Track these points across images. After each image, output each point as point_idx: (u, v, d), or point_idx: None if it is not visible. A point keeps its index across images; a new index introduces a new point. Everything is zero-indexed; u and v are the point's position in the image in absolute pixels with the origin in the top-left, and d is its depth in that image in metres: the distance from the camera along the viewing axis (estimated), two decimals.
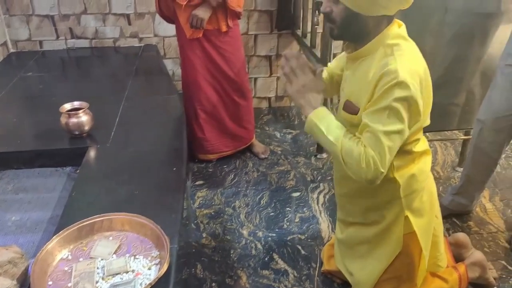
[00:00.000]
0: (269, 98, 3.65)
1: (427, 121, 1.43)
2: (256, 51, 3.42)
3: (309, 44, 3.02)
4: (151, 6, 3.08)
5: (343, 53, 1.51)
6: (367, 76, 1.31)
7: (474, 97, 2.41)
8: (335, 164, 1.69)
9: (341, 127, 1.35)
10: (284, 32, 3.37)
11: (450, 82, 2.32)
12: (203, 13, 2.40)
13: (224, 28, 2.51)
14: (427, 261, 1.61)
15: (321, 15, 2.63)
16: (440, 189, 2.61)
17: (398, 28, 1.33)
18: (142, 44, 3.21)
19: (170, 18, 2.58)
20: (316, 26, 2.85)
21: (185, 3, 2.39)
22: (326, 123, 1.34)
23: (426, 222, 1.54)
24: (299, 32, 3.25)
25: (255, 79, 3.54)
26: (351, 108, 1.38)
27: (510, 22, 2.20)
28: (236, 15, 2.52)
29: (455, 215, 2.38)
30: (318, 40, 2.89)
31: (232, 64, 2.63)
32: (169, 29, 3.03)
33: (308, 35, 3.09)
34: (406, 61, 1.25)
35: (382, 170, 1.27)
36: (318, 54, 2.78)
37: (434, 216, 1.59)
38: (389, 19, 1.30)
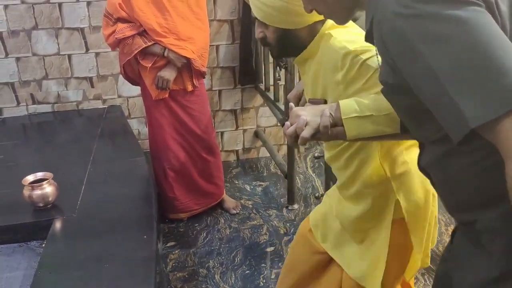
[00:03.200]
0: (237, 151, 3.66)
1: None
2: (221, 105, 3.46)
3: (272, 98, 3.08)
4: (114, 68, 3.10)
5: (300, 81, 1.42)
6: (321, 70, 1.26)
7: None
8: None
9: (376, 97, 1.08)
10: (248, 86, 3.43)
11: None
12: (169, 74, 2.42)
13: (190, 88, 2.53)
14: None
15: (283, 70, 2.71)
16: None
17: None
18: (106, 106, 3.19)
19: (135, 80, 2.59)
20: (278, 81, 2.91)
21: (150, 65, 2.41)
22: (363, 107, 1.07)
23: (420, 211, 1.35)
24: (262, 86, 3.32)
25: (222, 133, 3.56)
26: (315, 104, 1.26)
27: None
28: (201, 74, 2.55)
29: None
30: (281, 93, 2.96)
31: (200, 122, 2.64)
32: (133, 89, 3.04)
33: (271, 88, 3.16)
34: (346, 35, 1.20)
35: None
36: (282, 107, 2.84)
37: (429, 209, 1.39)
38: (321, 21, 1.26)
